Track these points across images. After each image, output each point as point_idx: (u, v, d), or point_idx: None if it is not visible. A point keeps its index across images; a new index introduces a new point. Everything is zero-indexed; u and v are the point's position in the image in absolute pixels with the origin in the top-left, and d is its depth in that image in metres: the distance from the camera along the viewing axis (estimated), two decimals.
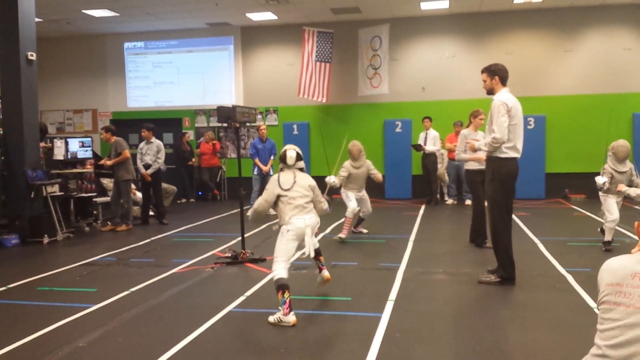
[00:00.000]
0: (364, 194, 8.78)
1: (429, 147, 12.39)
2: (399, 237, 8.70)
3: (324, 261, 5.68)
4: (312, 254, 5.25)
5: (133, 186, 10.98)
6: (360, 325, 4.74)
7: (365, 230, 9.17)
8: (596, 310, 4.74)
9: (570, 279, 5.97)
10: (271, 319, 4.83)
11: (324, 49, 13.70)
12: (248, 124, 8.25)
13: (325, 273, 5.63)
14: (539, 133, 13.13)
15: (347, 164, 8.65)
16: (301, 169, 5.35)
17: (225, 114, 7.25)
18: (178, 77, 15.33)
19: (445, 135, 12.56)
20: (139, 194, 11.10)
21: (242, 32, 14.72)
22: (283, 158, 5.31)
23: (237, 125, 7.35)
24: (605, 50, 13.08)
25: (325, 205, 5.40)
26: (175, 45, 15.24)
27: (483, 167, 6.71)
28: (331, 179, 8.05)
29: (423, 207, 12.12)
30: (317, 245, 5.36)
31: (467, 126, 8.32)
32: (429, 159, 12.46)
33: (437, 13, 13.57)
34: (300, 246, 5.25)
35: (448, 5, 12.93)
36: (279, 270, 4.94)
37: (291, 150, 5.30)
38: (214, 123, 15.08)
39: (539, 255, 7.17)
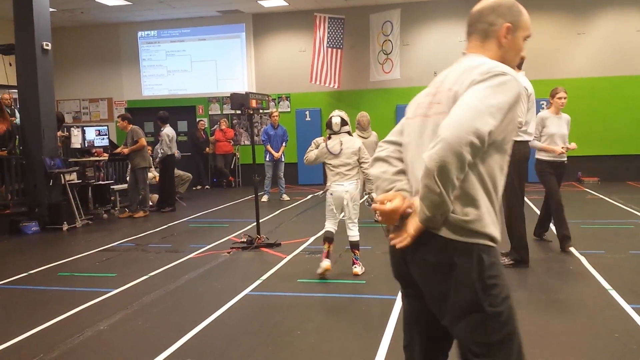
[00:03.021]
0: None
1: None
2: None
3: (358, 255, 5.79)
4: (353, 217, 5.63)
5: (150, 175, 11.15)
6: (375, 308, 4.83)
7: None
8: (611, 293, 4.79)
9: (584, 261, 6.00)
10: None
11: (335, 34, 13.70)
12: (261, 111, 8.30)
13: (356, 269, 5.74)
14: None
15: (355, 134, 8.69)
16: (348, 133, 5.59)
17: (238, 100, 7.31)
18: (191, 65, 15.40)
19: None
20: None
21: (254, 19, 14.74)
22: (329, 124, 5.59)
23: (251, 112, 7.41)
24: (618, 33, 12.94)
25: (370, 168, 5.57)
26: (188, 33, 15.30)
27: (556, 158, 6.52)
28: None
29: None
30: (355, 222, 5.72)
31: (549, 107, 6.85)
32: None
33: None
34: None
35: None
36: (327, 225, 5.71)
37: (336, 117, 5.56)
38: (227, 110, 15.16)
39: (552, 238, 7.18)
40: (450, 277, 1.89)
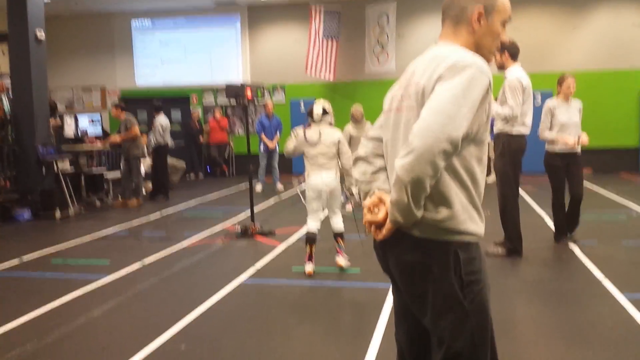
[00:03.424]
0: None
1: None
2: None
3: (343, 245, 5.57)
4: (335, 209, 5.49)
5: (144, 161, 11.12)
6: (369, 296, 4.84)
7: None
8: (604, 282, 4.82)
9: (577, 251, 6.02)
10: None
11: (331, 25, 13.64)
12: (256, 103, 8.27)
13: (340, 260, 5.54)
14: None
15: (348, 127, 8.71)
16: (329, 124, 5.43)
17: (233, 91, 7.28)
18: (185, 56, 15.30)
19: None
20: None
21: (249, 10, 14.66)
22: (310, 113, 5.41)
23: (246, 102, 7.37)
24: (613, 26, 12.94)
25: (349, 161, 5.43)
26: (183, 23, 15.19)
27: (567, 150, 6.17)
28: None
29: None
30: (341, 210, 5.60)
31: (558, 95, 6.38)
32: None
33: None
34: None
35: None
36: (309, 224, 5.44)
37: (317, 106, 5.39)
38: (221, 100, 15.10)
39: (545, 228, 7.22)
40: (427, 276, 1.87)
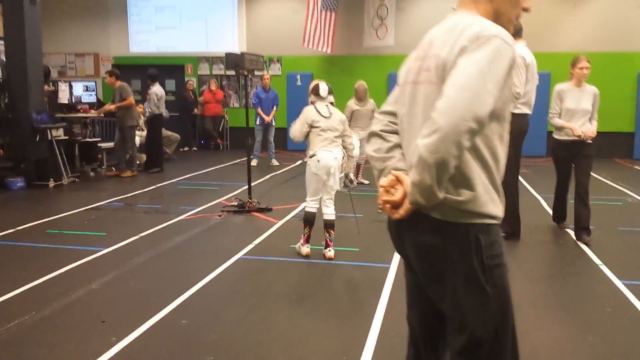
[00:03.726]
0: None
1: None
2: None
3: (333, 236, 5.32)
4: (337, 186, 5.36)
5: (140, 133, 11.02)
6: (369, 275, 4.84)
7: (366, 182, 9.21)
8: (602, 268, 4.85)
9: (574, 235, 6.04)
10: (296, 245, 5.41)
11: None
12: (256, 73, 8.16)
13: (329, 252, 5.28)
14: (544, 90, 13.02)
15: (351, 102, 8.73)
16: (332, 104, 5.36)
17: (233, 61, 7.17)
18: (181, 23, 15.05)
19: None
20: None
21: None
22: (315, 90, 5.30)
23: (246, 72, 7.28)
24: (613, 8, 12.84)
25: (351, 142, 5.41)
26: None
27: (574, 139, 5.70)
28: None
29: None
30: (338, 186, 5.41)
31: (570, 79, 5.97)
32: None
33: None
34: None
35: None
36: (309, 204, 5.33)
37: (323, 83, 5.34)
38: (217, 71, 14.92)
39: (542, 211, 7.24)
40: (447, 259, 1.82)
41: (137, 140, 11.10)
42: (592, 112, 5.78)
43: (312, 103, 5.31)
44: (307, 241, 5.29)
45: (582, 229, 5.78)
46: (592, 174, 5.95)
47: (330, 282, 4.73)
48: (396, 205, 1.85)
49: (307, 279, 4.75)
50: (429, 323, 2.08)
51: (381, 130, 2.07)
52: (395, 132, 2.05)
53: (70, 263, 5.08)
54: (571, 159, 5.87)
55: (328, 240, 5.34)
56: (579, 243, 5.75)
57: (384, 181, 1.91)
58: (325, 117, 5.19)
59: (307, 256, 5.26)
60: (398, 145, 2.02)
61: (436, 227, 1.82)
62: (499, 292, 1.84)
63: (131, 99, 9.91)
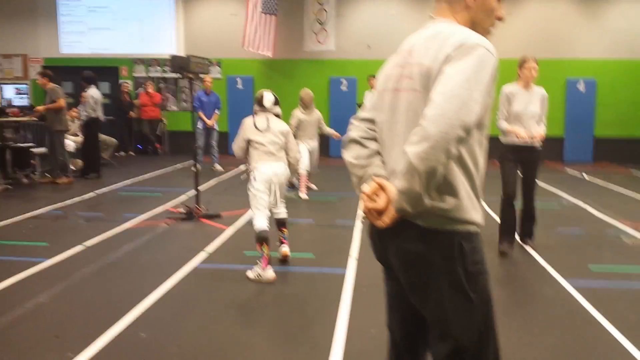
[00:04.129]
0: (316, 144, 8.76)
1: None
2: (350, 195, 8.80)
3: (286, 234, 5.30)
4: (279, 205, 5.14)
5: (71, 138, 10.61)
6: (327, 281, 4.84)
7: (315, 187, 9.23)
8: (547, 268, 5.03)
9: (516, 237, 6.24)
10: (250, 274, 4.82)
11: (269, 0, 13.37)
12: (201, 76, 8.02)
13: (284, 248, 5.26)
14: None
15: (296, 111, 8.53)
16: (277, 115, 5.17)
17: (178, 63, 7.00)
18: (115, 23, 14.59)
19: None
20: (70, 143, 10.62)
21: None
22: (259, 100, 5.10)
23: (191, 76, 7.13)
24: (543, 16, 13.41)
25: (298, 154, 5.31)
26: None
27: (521, 143, 5.48)
28: None
29: None
30: (284, 202, 5.25)
31: (518, 80, 5.64)
32: None
33: None
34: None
35: None
36: (258, 221, 4.83)
37: (268, 93, 5.15)
38: (153, 73, 14.56)
39: (488, 214, 7.46)
40: (432, 267, 1.84)
41: (72, 145, 10.69)
42: (540, 115, 5.54)
43: (255, 113, 5.14)
44: (269, 263, 4.77)
45: (528, 234, 5.84)
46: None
47: (289, 289, 4.70)
48: (379, 213, 1.86)
49: (266, 286, 4.70)
50: (410, 330, 2.10)
51: (360, 137, 2.07)
52: (374, 139, 2.05)
53: (12, 275, 4.81)
54: (518, 163, 5.63)
55: (282, 238, 5.26)
56: (521, 244, 5.94)
57: (366, 188, 1.91)
58: (261, 130, 4.97)
59: (273, 281, 4.75)
60: (377, 152, 2.03)
61: (420, 235, 1.83)
62: (482, 299, 1.88)
63: (61, 102, 9.48)
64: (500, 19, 1.99)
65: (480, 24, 1.95)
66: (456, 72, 1.71)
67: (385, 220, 1.83)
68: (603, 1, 13.50)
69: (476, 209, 1.87)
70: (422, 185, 1.69)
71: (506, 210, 5.67)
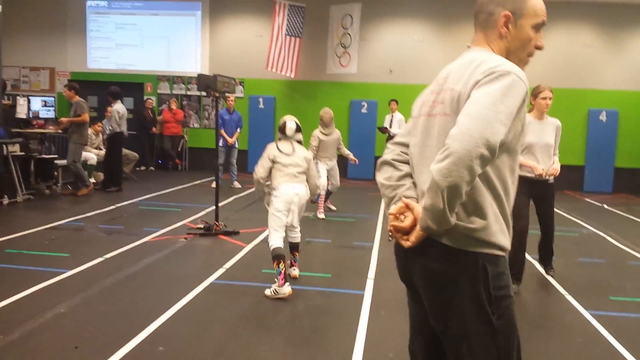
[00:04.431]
0: (334, 164, 8.78)
1: (395, 130, 12.51)
2: (368, 216, 8.82)
3: (297, 257, 5.43)
4: (296, 224, 5.20)
5: (94, 151, 10.79)
6: (345, 302, 4.83)
7: (333, 208, 9.24)
8: (567, 297, 4.96)
9: (537, 265, 6.20)
10: (267, 292, 4.86)
11: (295, 23, 13.57)
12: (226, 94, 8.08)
13: (294, 271, 5.36)
14: None
15: (317, 132, 8.57)
16: (299, 142, 5.30)
17: (205, 82, 7.10)
18: (142, 41, 14.87)
19: None
20: (92, 156, 10.76)
21: None
22: (282, 129, 5.23)
23: (217, 94, 7.23)
24: (566, 47, 13.42)
25: (318, 181, 5.39)
26: (141, 7, 14.75)
27: (535, 177, 5.14)
28: None
29: None
30: (298, 226, 5.27)
31: (531, 110, 5.40)
32: None
33: None
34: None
35: None
36: (274, 240, 4.94)
37: (291, 122, 5.24)
38: (177, 90, 14.77)
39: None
40: (454, 287, 1.83)
41: (95, 158, 10.84)
42: (553, 147, 5.33)
43: (278, 140, 5.27)
44: (285, 279, 4.78)
45: (548, 265, 5.72)
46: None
47: (306, 308, 4.69)
48: (406, 233, 1.88)
49: (283, 305, 4.70)
50: (433, 354, 2.09)
51: (393, 159, 2.11)
52: (407, 162, 2.09)
53: (34, 285, 4.87)
54: (531, 197, 5.32)
55: (292, 261, 5.39)
56: (542, 272, 5.89)
57: (393, 208, 1.94)
58: (286, 154, 5.11)
59: (289, 295, 4.78)
60: (409, 175, 2.06)
61: (446, 254, 1.84)
62: (504, 324, 1.86)
63: (85, 117, 9.58)
64: (539, 48, 2.00)
65: (516, 53, 1.97)
66: (483, 94, 1.74)
67: (412, 239, 1.85)
68: (626, 33, 13.48)
69: (504, 233, 1.87)
70: (445, 201, 1.69)
71: (516, 247, 5.02)
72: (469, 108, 1.73)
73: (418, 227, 1.83)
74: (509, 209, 1.90)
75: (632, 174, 13.44)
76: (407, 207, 1.91)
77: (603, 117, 13.43)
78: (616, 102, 13.47)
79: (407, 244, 1.87)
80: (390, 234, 1.95)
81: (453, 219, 1.75)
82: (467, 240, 1.82)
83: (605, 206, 11.09)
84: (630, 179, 13.40)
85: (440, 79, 2.00)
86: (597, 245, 7.46)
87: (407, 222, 1.87)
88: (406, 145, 2.11)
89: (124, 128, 10.44)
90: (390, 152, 2.14)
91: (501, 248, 1.86)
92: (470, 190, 1.76)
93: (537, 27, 1.97)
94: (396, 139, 2.18)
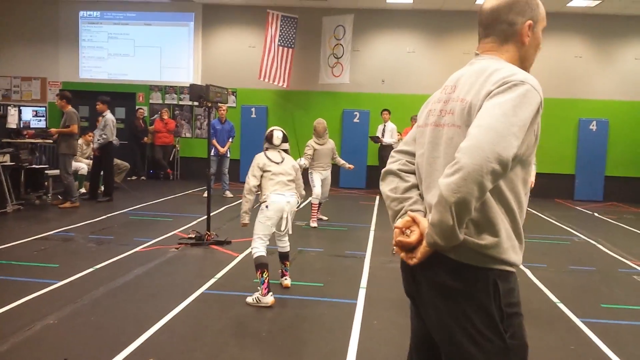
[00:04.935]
0: (328, 174, 8.82)
1: (387, 140, 12.55)
2: (360, 225, 8.81)
3: (288, 267, 5.43)
4: (290, 231, 5.19)
5: (85, 161, 10.74)
6: (336, 312, 4.81)
7: (325, 218, 9.23)
8: (559, 305, 4.97)
9: (529, 273, 6.21)
10: (249, 299, 4.87)
11: (287, 33, 13.61)
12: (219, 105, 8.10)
13: (286, 280, 5.38)
14: None
15: (311, 141, 8.67)
16: (285, 151, 5.32)
17: (197, 92, 7.10)
18: (134, 50, 14.85)
19: (403, 128, 12.78)
20: (82, 166, 10.69)
21: (204, 9, 14.41)
22: (269, 138, 5.25)
23: (209, 104, 7.23)
24: (556, 57, 13.53)
25: (303, 191, 5.42)
26: (133, 17, 14.74)
27: None
28: (301, 161, 8.18)
29: (378, 197, 12.28)
30: (289, 231, 5.26)
31: None
32: (386, 151, 12.58)
33: (401, 7, 13.71)
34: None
35: (412, 1, 13.10)
36: (258, 248, 4.94)
37: (278, 131, 5.28)
38: (169, 100, 14.75)
39: None
40: (464, 303, 1.76)
41: (86, 168, 10.78)
42: None
43: (265, 150, 5.28)
44: (268, 289, 4.80)
45: None
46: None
47: (298, 317, 4.66)
48: (411, 249, 1.81)
49: (275, 314, 4.68)
50: None
51: (399, 170, 2.04)
52: (413, 172, 2.02)
53: (23, 296, 4.83)
54: None
55: (283, 270, 5.40)
56: (534, 280, 5.91)
57: (399, 222, 1.87)
58: (276, 162, 5.13)
59: (272, 305, 4.79)
60: (415, 186, 1.99)
61: (454, 270, 1.77)
62: (518, 344, 1.79)
63: (74, 128, 9.43)
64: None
65: (529, 59, 1.97)
66: (495, 105, 1.68)
67: (418, 255, 1.78)
68: (616, 44, 13.61)
69: (515, 251, 1.80)
70: (453, 217, 1.62)
71: None
72: (480, 120, 1.67)
73: (424, 243, 1.75)
74: (521, 223, 1.83)
75: (623, 183, 13.52)
76: (414, 221, 1.84)
77: (593, 126, 13.52)
78: (606, 112, 13.58)
79: (412, 261, 1.80)
80: (395, 248, 1.88)
81: (462, 235, 1.68)
82: (477, 256, 1.75)
83: (596, 214, 11.14)
84: (620, 187, 13.49)
85: (447, 87, 1.94)
86: (588, 253, 7.48)
87: (413, 237, 1.80)
88: (412, 154, 2.05)
89: (115, 137, 10.39)
90: (395, 162, 2.07)
91: (512, 264, 1.79)
92: (481, 205, 1.70)
93: (543, 31, 1.99)
94: (401, 147, 2.11)
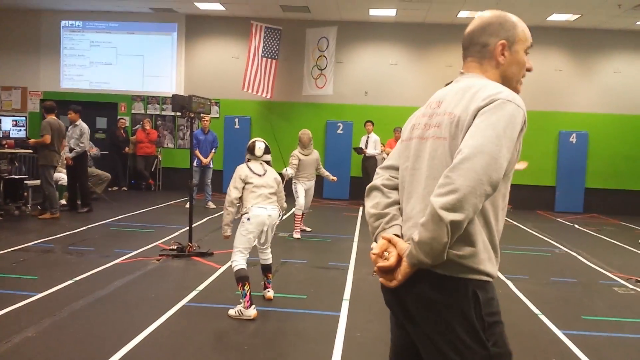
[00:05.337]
0: (312, 185, 8.83)
1: (370, 151, 12.59)
2: (343, 237, 8.81)
3: (271, 279, 5.40)
4: (267, 249, 5.22)
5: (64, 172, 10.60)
6: (319, 324, 4.79)
7: (308, 229, 9.21)
8: (541, 317, 4.99)
9: (510, 285, 6.24)
10: (232, 312, 4.82)
11: (271, 45, 13.63)
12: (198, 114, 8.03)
13: (269, 293, 5.34)
14: None
15: (296, 152, 8.69)
16: (268, 162, 5.31)
17: (180, 102, 7.07)
18: (116, 59, 14.76)
19: (386, 140, 12.83)
20: (62, 176, 10.54)
21: (187, 20, 14.38)
22: (251, 149, 5.22)
23: (192, 115, 7.20)
24: (537, 70, 13.70)
25: (284, 203, 5.40)
26: (116, 27, 14.66)
27: None
28: (287, 171, 8.19)
29: (361, 208, 12.29)
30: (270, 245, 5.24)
31: None
32: (369, 162, 12.65)
33: (384, 20, 13.81)
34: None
35: (395, 14, 13.21)
36: (238, 261, 4.91)
37: (260, 142, 5.25)
38: (151, 110, 14.67)
39: None
40: (447, 315, 1.79)
41: (65, 178, 10.61)
42: None
43: (247, 161, 5.26)
44: (251, 301, 4.78)
45: None
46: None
47: (281, 331, 4.64)
48: (390, 270, 1.83)
49: (258, 327, 4.64)
50: None
51: (382, 185, 2.08)
52: (396, 188, 2.06)
53: (1, 309, 4.74)
54: None
55: (266, 282, 5.37)
56: (515, 292, 5.95)
57: (376, 249, 1.89)
58: (258, 174, 5.10)
59: (254, 319, 4.75)
60: (396, 202, 2.03)
61: (436, 282, 1.80)
62: (501, 352, 1.82)
63: (46, 138, 9.23)
64: (529, 69, 2.05)
65: (513, 77, 2.01)
66: (487, 126, 1.74)
67: (399, 277, 1.81)
68: (596, 57, 13.83)
69: (492, 262, 1.84)
70: (448, 235, 1.68)
71: None
72: (472, 140, 1.73)
73: (406, 265, 1.79)
74: (497, 236, 1.87)
75: (602, 195, 13.69)
76: (390, 242, 1.87)
77: (573, 138, 13.70)
78: (586, 124, 13.76)
79: (392, 284, 1.83)
80: (375, 272, 1.89)
81: (445, 253, 1.73)
82: (456, 267, 1.78)
83: (577, 226, 11.25)
84: (600, 199, 13.65)
85: (432, 102, 2.00)
86: (569, 265, 7.55)
87: (392, 259, 1.83)
88: (396, 169, 2.09)
89: (88, 146, 10.21)
90: (379, 177, 2.12)
91: (488, 274, 1.83)
92: None
93: (527, 51, 2.02)
94: (386, 163, 2.15)
